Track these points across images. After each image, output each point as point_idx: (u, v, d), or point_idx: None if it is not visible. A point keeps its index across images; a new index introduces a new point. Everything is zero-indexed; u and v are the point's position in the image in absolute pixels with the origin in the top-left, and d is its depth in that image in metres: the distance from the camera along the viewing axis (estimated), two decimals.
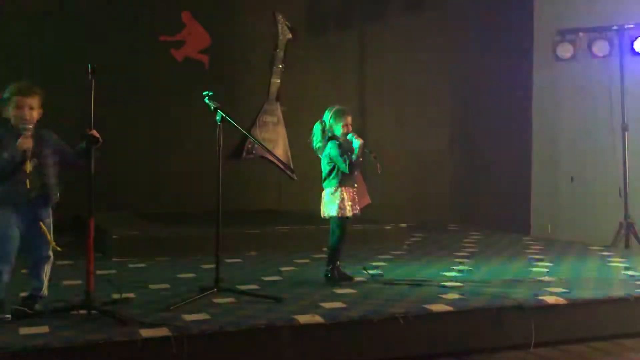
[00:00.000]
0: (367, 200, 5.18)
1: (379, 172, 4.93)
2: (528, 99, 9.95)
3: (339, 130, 5.02)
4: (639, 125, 8.45)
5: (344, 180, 5.00)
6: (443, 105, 9.67)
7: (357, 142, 4.94)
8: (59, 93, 6.93)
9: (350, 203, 5.00)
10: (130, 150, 7.75)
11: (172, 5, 8.21)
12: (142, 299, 4.44)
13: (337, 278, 5.08)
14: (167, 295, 4.55)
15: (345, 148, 5.00)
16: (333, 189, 5.02)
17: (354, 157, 4.93)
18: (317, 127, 5.11)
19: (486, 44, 9.53)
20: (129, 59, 7.73)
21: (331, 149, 5.01)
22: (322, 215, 5.11)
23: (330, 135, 5.06)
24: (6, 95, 3.91)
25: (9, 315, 3.84)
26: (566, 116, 9.58)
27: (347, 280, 5.10)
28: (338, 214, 5.00)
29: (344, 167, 4.94)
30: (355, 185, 5.08)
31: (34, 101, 3.91)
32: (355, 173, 5.06)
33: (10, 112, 3.90)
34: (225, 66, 8.34)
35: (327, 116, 5.07)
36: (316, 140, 5.11)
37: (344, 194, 5.00)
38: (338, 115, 5.03)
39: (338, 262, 5.14)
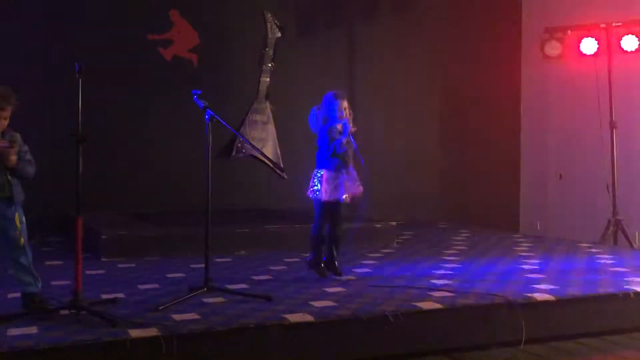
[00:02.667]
0: (358, 189, 5.13)
1: (364, 164, 4.92)
2: (516, 96, 9.98)
3: (333, 114, 4.99)
4: (627, 123, 8.50)
5: (330, 164, 4.99)
6: (432, 103, 9.69)
7: (347, 127, 4.94)
8: (47, 92, 6.93)
9: (331, 187, 4.97)
10: (119, 149, 7.71)
11: (160, 4, 8.17)
12: (131, 298, 4.42)
13: (318, 267, 5.13)
14: (156, 295, 4.53)
15: (334, 134, 4.97)
16: (318, 170, 5.04)
17: (342, 138, 4.91)
18: (312, 112, 5.11)
19: (474, 42, 9.55)
20: (117, 57, 7.68)
21: (320, 134, 5.03)
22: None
23: (325, 119, 5.03)
24: None
25: None
26: (554, 114, 9.62)
27: (326, 273, 5.12)
28: (317, 196, 5.01)
29: (331, 151, 4.94)
30: (343, 172, 5.02)
31: (7, 112, 3.94)
32: (346, 165, 5.03)
33: None
34: (214, 65, 8.31)
35: (323, 101, 5.06)
36: (313, 125, 5.11)
37: (326, 177, 4.99)
38: (332, 99, 5.01)
39: (320, 251, 5.15)
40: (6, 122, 3.96)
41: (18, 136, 4.02)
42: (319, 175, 5.04)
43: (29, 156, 4.05)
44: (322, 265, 5.19)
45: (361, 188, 5.10)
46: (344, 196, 5.01)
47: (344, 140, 4.94)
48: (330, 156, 4.98)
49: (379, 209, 7.87)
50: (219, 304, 4.29)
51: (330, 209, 5.10)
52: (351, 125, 5.01)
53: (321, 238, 5.17)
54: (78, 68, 3.88)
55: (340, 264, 5.23)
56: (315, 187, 5.04)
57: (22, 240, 4.04)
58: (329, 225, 5.17)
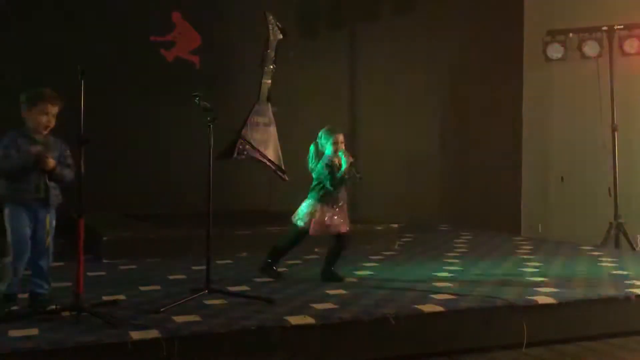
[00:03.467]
0: (345, 228, 5.15)
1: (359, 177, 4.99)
2: (518, 99, 9.98)
3: (329, 149, 5.10)
4: (629, 126, 8.49)
5: (324, 197, 5.07)
6: (433, 106, 9.68)
7: (344, 160, 5.04)
8: None
9: (319, 221, 5.04)
10: (121, 151, 7.71)
11: (162, 6, 8.18)
12: (132, 300, 4.43)
13: (270, 272, 5.26)
14: (157, 297, 4.53)
15: (334, 166, 5.05)
16: (311, 200, 5.12)
17: (338, 174, 5.01)
18: (312, 148, 5.19)
19: (476, 44, 9.54)
20: (119, 59, 7.69)
21: (319, 165, 5.09)
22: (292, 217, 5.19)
23: (322, 154, 5.13)
24: (33, 98, 4.01)
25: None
26: (556, 116, 9.62)
27: (277, 278, 5.22)
28: (302, 226, 5.09)
29: (328, 183, 5.02)
30: (336, 208, 5.08)
31: (57, 110, 4.04)
32: (339, 196, 5.10)
33: (33, 115, 4.00)
34: (215, 67, 8.31)
35: (320, 136, 5.17)
36: (311, 161, 5.18)
37: (318, 209, 5.06)
38: (328, 134, 5.12)
39: (278, 262, 5.35)
40: (54, 121, 4.04)
41: (51, 139, 4.08)
42: (309, 206, 5.09)
43: (69, 160, 4.11)
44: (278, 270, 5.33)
45: (347, 227, 5.15)
46: (334, 230, 5.10)
47: (342, 173, 5.01)
48: (325, 189, 5.05)
49: (380, 212, 7.87)
50: (220, 305, 4.28)
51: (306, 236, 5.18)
52: (349, 157, 5.09)
53: (284, 254, 5.35)
54: (80, 70, 3.89)
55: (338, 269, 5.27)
56: (302, 217, 5.10)
57: (48, 241, 4.09)
58: (334, 244, 5.21)
